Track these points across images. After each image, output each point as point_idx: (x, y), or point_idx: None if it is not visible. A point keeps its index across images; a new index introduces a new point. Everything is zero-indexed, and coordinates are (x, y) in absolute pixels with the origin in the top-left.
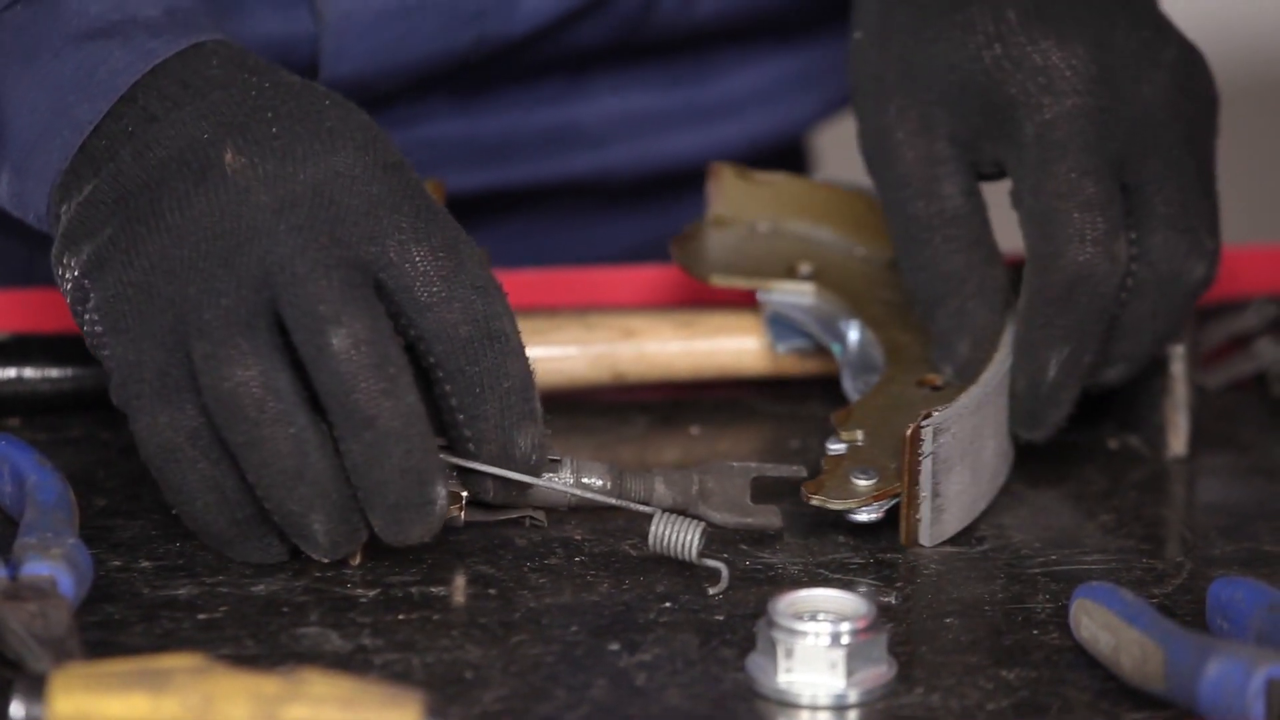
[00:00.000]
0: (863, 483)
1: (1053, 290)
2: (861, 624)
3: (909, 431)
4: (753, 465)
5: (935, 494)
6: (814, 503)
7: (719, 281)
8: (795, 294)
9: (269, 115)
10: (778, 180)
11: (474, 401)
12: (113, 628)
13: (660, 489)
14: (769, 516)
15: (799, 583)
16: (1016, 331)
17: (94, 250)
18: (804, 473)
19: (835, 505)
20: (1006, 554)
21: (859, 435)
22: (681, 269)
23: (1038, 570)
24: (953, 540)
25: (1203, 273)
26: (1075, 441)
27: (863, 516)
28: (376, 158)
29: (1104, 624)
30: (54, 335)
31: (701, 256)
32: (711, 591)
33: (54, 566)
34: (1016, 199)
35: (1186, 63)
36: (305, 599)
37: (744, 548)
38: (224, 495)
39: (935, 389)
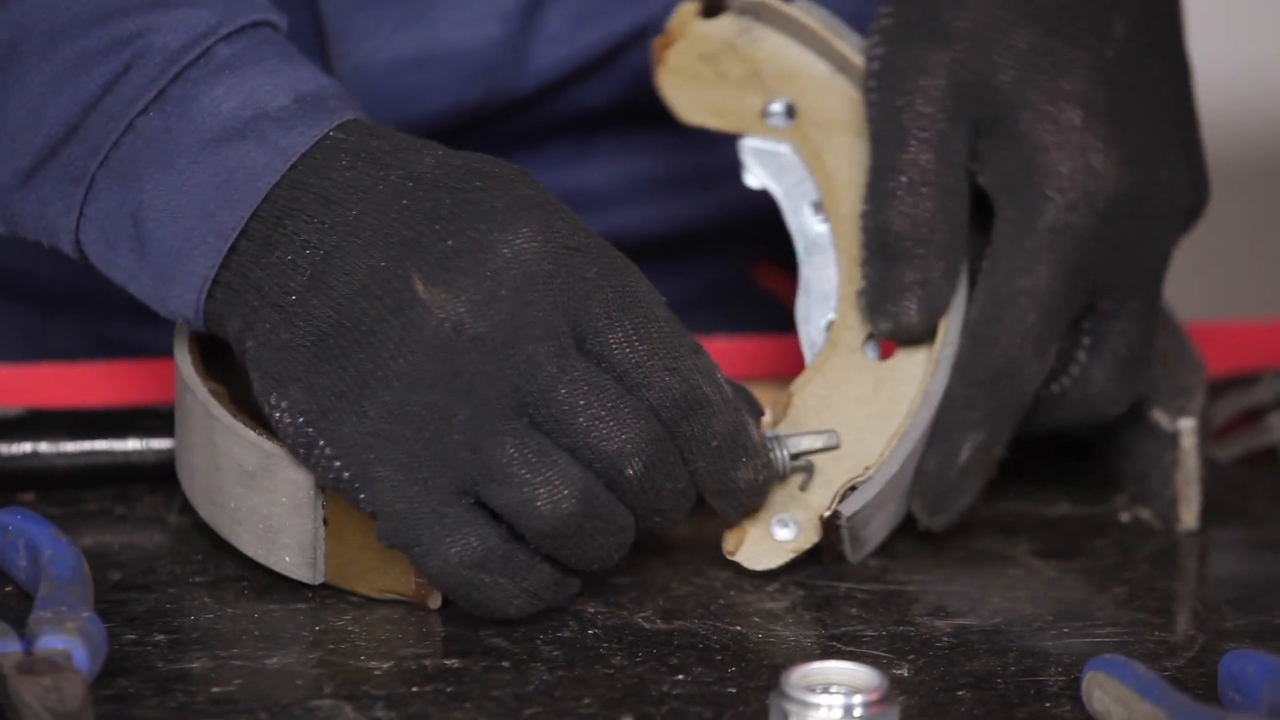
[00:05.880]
0: (782, 533)
1: (980, 374)
2: (874, 696)
3: (824, 515)
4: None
5: (855, 540)
6: (735, 559)
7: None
8: (771, 145)
9: (436, 228)
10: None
11: (689, 459)
12: (127, 701)
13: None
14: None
15: (811, 655)
16: (937, 410)
17: (312, 398)
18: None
19: (756, 567)
20: (1018, 627)
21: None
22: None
23: (1050, 643)
24: (965, 614)
25: (1121, 410)
26: (1087, 515)
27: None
28: (556, 243)
29: (1116, 697)
30: (69, 410)
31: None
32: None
33: (69, 640)
34: (985, 264)
35: (1191, 211)
36: (319, 671)
37: (756, 620)
38: (534, 595)
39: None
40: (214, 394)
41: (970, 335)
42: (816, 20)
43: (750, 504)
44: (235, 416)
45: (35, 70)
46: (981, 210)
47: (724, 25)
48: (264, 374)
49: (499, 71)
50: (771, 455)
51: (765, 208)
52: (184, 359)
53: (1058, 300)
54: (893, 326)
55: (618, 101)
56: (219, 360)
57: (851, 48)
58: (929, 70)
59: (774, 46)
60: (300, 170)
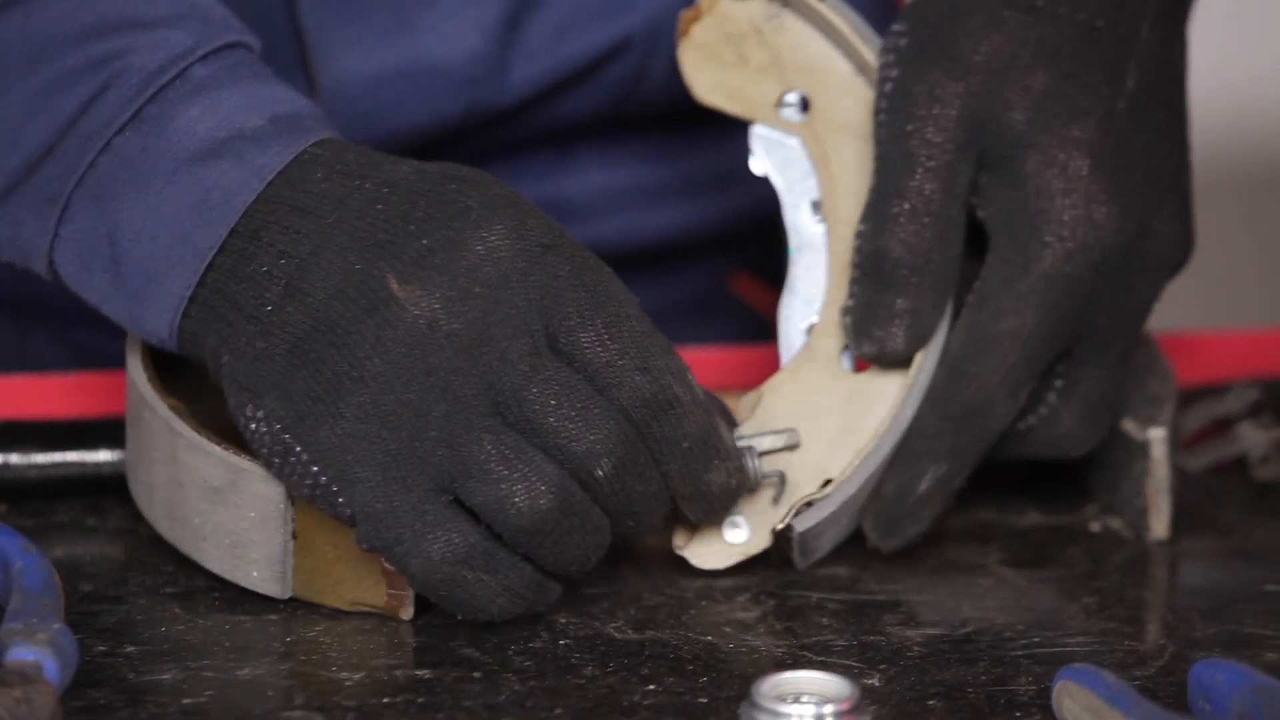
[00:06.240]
0: (733, 535)
1: (953, 408)
2: (845, 706)
3: (777, 527)
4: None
5: (804, 550)
6: (682, 554)
7: (706, 98)
8: (781, 137)
9: (411, 228)
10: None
11: (661, 461)
12: (98, 713)
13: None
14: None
15: (782, 664)
16: (903, 436)
17: (288, 405)
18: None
19: (704, 565)
20: (989, 636)
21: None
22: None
23: (1020, 653)
24: (936, 623)
25: (1085, 452)
26: (1058, 524)
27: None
28: (530, 241)
29: (1087, 706)
30: (41, 421)
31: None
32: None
33: (39, 652)
34: (972, 298)
35: (1176, 265)
36: (290, 682)
37: (727, 630)
38: (516, 594)
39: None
40: (174, 410)
41: (949, 368)
42: (845, 20)
43: (722, 509)
44: (198, 433)
45: (12, 91)
46: (970, 241)
47: (753, 8)
48: (239, 386)
49: (480, 85)
50: (745, 463)
51: (744, 218)
52: (139, 375)
53: (1039, 345)
54: (876, 351)
55: (598, 113)
56: (174, 377)
57: (875, 53)
58: (942, 99)
59: (799, 38)
60: (276, 185)
